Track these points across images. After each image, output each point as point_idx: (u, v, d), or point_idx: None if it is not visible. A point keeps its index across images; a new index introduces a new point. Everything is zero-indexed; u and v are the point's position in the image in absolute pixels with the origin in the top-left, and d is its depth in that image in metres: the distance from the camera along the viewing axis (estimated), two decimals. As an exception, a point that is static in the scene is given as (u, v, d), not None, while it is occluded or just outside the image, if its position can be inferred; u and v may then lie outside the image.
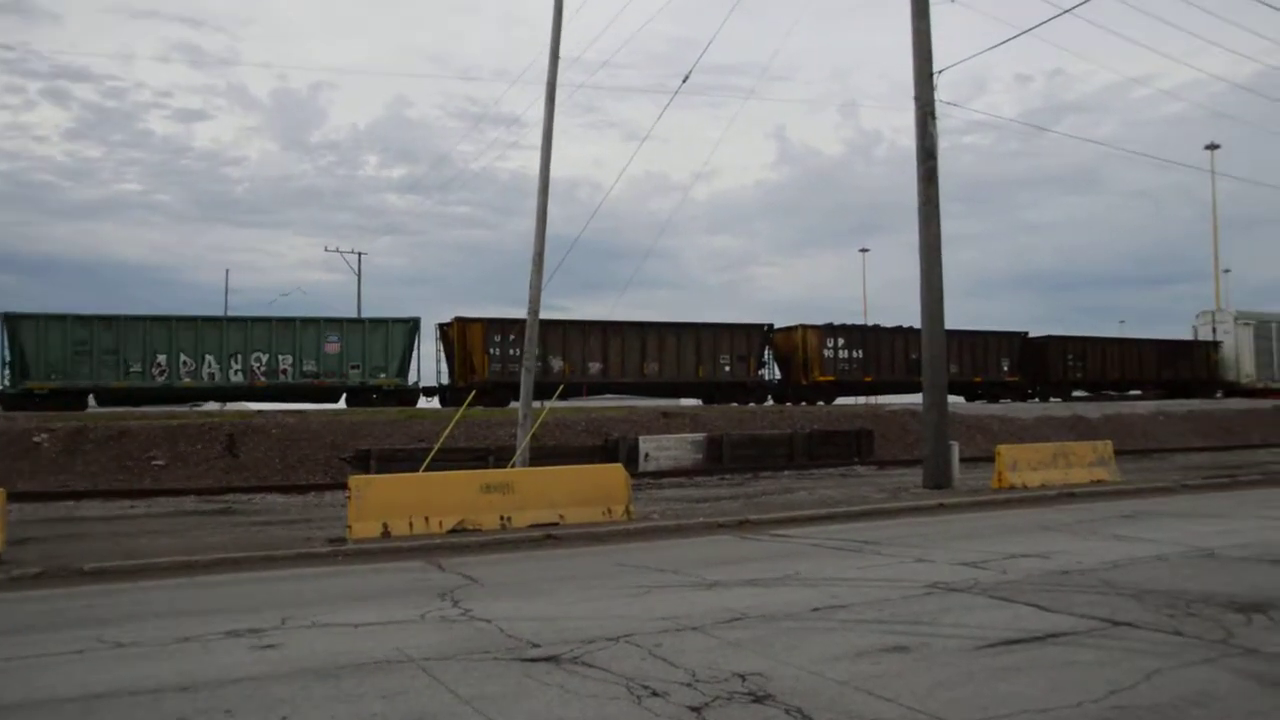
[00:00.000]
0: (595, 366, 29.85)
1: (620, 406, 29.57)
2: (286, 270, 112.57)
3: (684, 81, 19.42)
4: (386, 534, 11.41)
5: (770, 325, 33.06)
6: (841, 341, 33.42)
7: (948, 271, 17.35)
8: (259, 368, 26.66)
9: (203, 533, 12.72)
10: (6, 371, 24.97)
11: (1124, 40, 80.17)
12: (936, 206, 17.17)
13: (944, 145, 17.22)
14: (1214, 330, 43.46)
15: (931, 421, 17.27)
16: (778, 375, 33.85)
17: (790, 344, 33.51)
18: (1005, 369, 36.39)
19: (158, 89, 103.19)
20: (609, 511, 12.81)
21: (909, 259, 18.56)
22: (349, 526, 11.39)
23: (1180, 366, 41.22)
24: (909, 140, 17.55)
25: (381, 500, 11.65)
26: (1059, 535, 11.06)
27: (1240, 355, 42.55)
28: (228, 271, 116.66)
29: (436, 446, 16.81)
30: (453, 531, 11.68)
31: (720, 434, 23.57)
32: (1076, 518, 12.77)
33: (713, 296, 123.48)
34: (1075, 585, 7.83)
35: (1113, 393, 40.32)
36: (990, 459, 17.97)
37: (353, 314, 42.19)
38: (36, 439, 19.94)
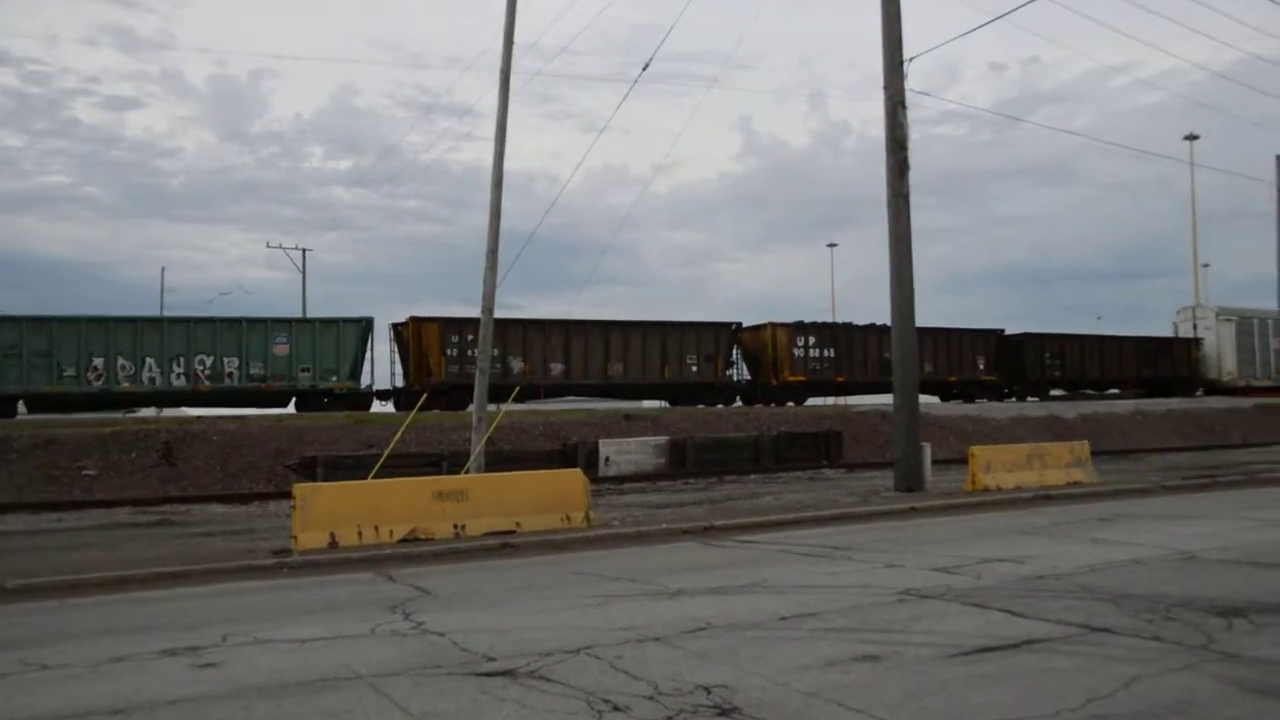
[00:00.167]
0: (557, 368, 29.22)
1: (580, 409, 29.13)
2: (226, 268, 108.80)
3: (644, 69, 17.74)
4: (334, 544, 11.06)
5: (738, 324, 32.46)
6: (812, 340, 32.94)
7: (920, 266, 17.12)
8: (203, 371, 25.70)
9: (138, 546, 12.23)
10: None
11: (1101, 26, 78.54)
12: (907, 200, 16.89)
13: (915, 136, 17.17)
14: (1195, 327, 42.46)
15: (902, 422, 16.94)
16: (746, 376, 33.35)
17: (759, 343, 32.99)
18: (981, 368, 36.18)
19: (85, 74, 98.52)
20: (568, 518, 12.58)
21: (879, 254, 18.26)
22: (294, 537, 11.03)
23: (1161, 364, 40.74)
24: (878, 131, 17.14)
25: (328, 509, 11.28)
26: (1034, 539, 10.96)
27: (1222, 352, 41.54)
28: (163, 269, 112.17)
29: (386, 452, 16.44)
30: (404, 541, 11.36)
31: (684, 437, 23.40)
32: (1052, 520, 12.69)
33: (674, 293, 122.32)
34: (1051, 590, 7.73)
35: (1091, 392, 40.17)
36: (964, 461, 17.70)
37: (297, 313, 39.64)
38: (-41, 448, 19.12)
